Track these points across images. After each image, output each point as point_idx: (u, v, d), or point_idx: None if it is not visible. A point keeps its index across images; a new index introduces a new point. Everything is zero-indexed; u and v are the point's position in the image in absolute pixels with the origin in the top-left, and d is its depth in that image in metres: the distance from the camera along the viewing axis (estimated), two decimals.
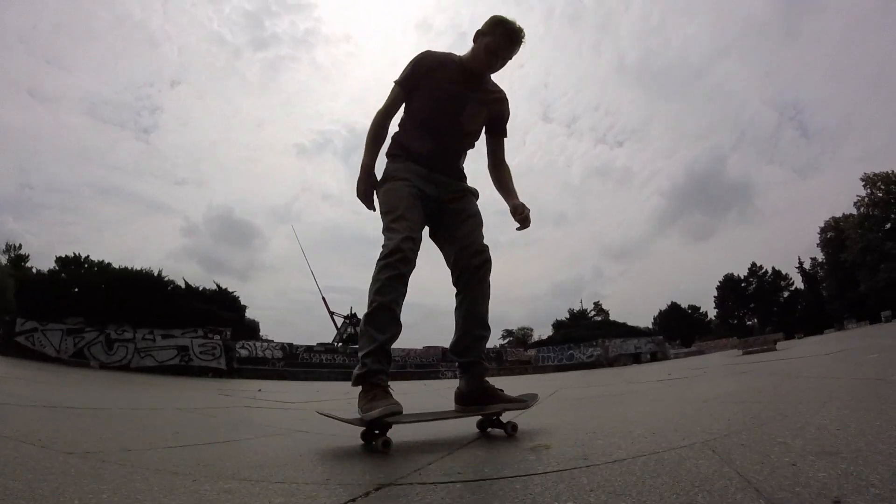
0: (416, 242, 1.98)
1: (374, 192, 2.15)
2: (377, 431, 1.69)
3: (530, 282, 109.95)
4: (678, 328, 70.48)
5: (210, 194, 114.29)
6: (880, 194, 49.77)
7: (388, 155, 2.18)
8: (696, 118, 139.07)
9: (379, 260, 1.92)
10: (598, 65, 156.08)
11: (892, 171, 48.95)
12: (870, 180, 51.00)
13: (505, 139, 2.33)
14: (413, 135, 2.14)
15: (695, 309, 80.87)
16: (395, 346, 1.92)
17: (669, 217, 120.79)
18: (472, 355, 2.08)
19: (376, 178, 2.16)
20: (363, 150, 2.13)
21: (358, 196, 2.15)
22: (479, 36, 2.11)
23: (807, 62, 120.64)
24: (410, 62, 2.10)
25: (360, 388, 1.80)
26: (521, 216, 2.18)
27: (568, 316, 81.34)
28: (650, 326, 79.58)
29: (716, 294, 77.90)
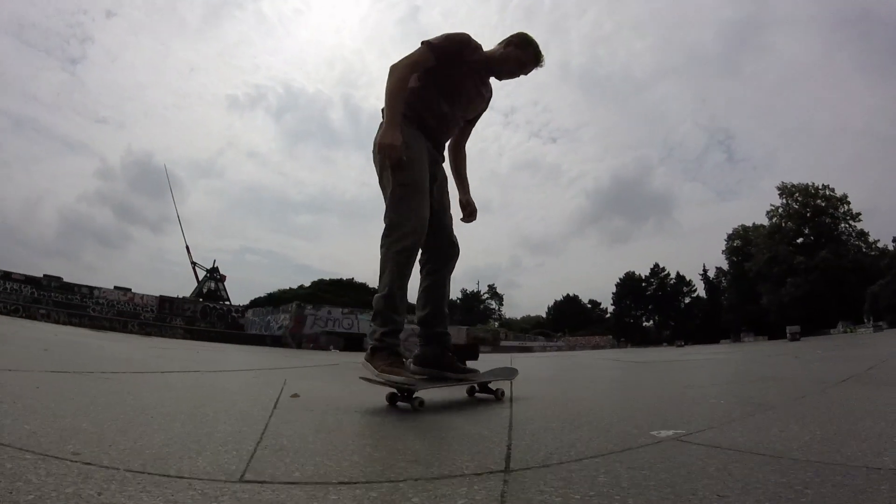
0: None
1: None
2: (405, 394, 1.94)
3: None
4: (571, 320, 68.05)
5: (131, 137, 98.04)
6: (796, 206, 47.80)
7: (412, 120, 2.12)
8: (629, 129, 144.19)
9: (397, 238, 1.96)
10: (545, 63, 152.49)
11: (812, 184, 47.02)
12: (787, 191, 48.90)
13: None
14: (428, 104, 2.14)
15: (595, 304, 79.73)
16: None
17: (591, 218, 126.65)
18: (442, 327, 2.25)
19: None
20: (389, 105, 1.99)
21: (387, 150, 1.95)
22: (510, 45, 2.22)
23: (743, 96, 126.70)
24: (450, 36, 2.11)
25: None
26: (470, 211, 2.44)
27: (460, 297, 78.07)
28: (542, 316, 79.21)
29: (614, 290, 76.35)
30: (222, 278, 35.52)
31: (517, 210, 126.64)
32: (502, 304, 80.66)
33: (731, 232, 58.79)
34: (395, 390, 1.92)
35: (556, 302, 79.23)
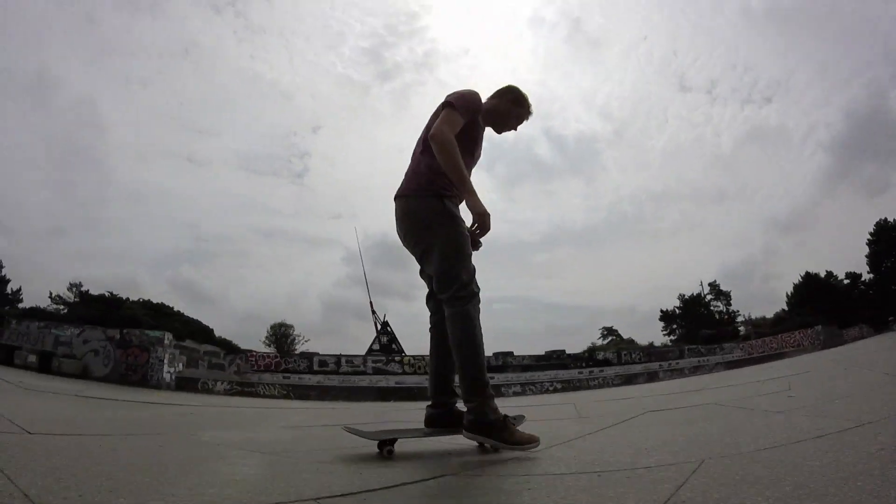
0: None
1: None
2: (385, 442, 2.08)
3: (697, 269, 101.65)
4: (817, 305, 51.26)
5: (365, 223, 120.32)
6: None
7: (443, 194, 2.19)
8: (842, 55, 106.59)
9: (472, 297, 2.11)
10: (723, 19, 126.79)
11: None
12: None
13: None
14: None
15: (856, 278, 59.41)
16: None
17: (837, 174, 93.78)
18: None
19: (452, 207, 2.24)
20: (459, 175, 2.10)
21: (486, 219, 2.13)
22: (505, 99, 2.39)
23: None
24: (468, 96, 2.21)
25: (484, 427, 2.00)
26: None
27: (679, 304, 64.29)
28: (785, 308, 60.25)
29: (868, 251, 55.44)
30: (392, 334, 34.69)
31: (754, 190, 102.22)
32: (730, 303, 66.15)
33: None
34: (385, 440, 2.04)
35: (794, 286, 61.23)
